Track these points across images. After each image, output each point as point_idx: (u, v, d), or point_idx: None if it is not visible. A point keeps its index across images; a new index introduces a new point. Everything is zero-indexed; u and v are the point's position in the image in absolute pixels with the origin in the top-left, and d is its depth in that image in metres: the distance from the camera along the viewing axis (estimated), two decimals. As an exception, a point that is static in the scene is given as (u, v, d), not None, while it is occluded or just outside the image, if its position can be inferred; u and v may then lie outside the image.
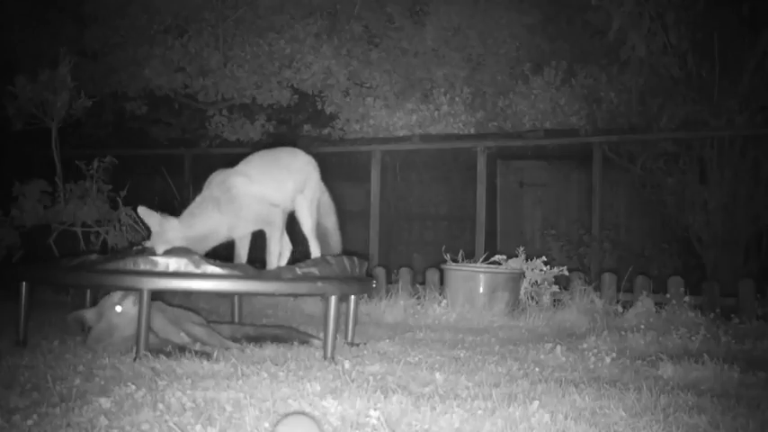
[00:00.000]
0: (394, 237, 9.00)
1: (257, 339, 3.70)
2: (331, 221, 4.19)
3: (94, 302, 4.06)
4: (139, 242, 5.18)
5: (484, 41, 8.75)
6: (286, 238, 4.01)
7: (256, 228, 3.82)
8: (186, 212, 3.66)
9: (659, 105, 7.10)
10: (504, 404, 2.47)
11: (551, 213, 8.82)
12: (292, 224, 4.01)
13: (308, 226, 4.01)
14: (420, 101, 8.71)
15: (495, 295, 5.40)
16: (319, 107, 9.01)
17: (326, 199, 4.19)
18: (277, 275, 3.52)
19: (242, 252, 3.88)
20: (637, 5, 7.09)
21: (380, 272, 6.32)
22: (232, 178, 3.74)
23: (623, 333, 4.34)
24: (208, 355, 3.22)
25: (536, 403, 2.46)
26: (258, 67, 8.59)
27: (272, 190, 3.81)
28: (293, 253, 4.08)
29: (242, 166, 3.85)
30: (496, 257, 5.71)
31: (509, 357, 3.63)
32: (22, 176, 6.28)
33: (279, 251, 3.84)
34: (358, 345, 3.82)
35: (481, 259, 5.78)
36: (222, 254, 3.83)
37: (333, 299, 3.40)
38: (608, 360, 3.52)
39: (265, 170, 3.86)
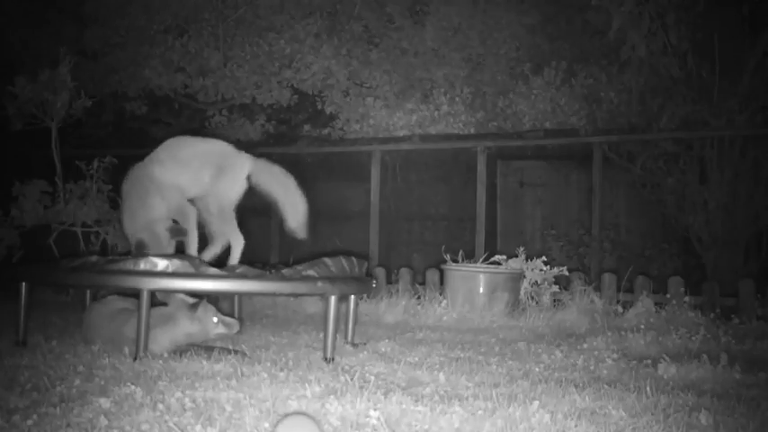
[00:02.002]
0: (394, 237, 9.00)
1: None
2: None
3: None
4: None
5: (484, 41, 8.75)
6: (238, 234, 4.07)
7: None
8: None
9: (659, 105, 7.10)
10: (504, 404, 2.47)
11: (551, 213, 8.82)
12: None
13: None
14: (420, 101, 8.71)
15: (495, 295, 5.40)
16: (319, 107, 9.01)
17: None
18: (279, 276, 3.52)
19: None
20: (637, 5, 7.08)
21: (380, 272, 6.32)
22: None
23: (623, 333, 4.34)
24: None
25: (536, 403, 2.46)
26: (258, 67, 8.58)
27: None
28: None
29: None
30: (496, 257, 5.71)
31: (509, 357, 3.64)
32: (22, 176, 6.28)
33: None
34: (357, 345, 3.82)
35: (481, 259, 5.77)
36: (223, 256, 3.84)
37: (333, 299, 3.40)
38: (608, 360, 3.53)
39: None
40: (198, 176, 3.96)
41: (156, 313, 3.32)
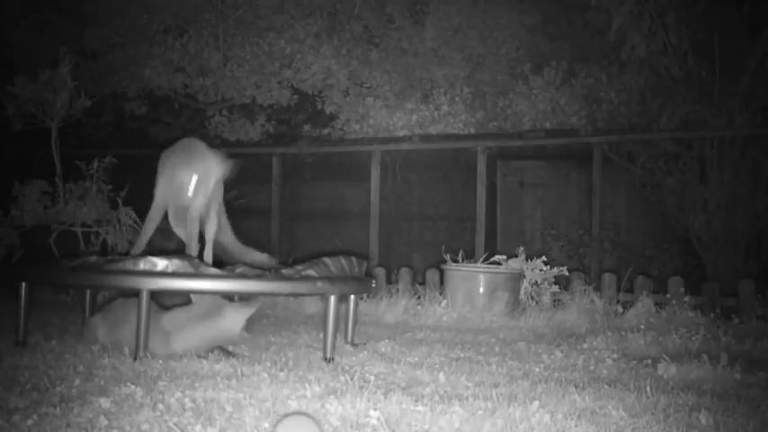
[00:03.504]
0: (394, 237, 9.00)
1: None
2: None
3: (93, 302, 4.07)
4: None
5: (484, 41, 8.75)
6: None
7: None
8: None
9: (659, 105, 7.09)
10: (504, 404, 2.47)
11: (551, 213, 8.81)
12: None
13: None
14: (420, 101, 8.70)
15: (495, 295, 5.40)
16: (319, 107, 9.01)
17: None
18: (278, 276, 3.52)
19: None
20: (637, 5, 7.07)
21: (380, 272, 6.32)
22: None
23: (623, 333, 4.34)
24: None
25: (536, 403, 2.46)
26: (258, 67, 8.58)
27: None
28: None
29: None
30: (496, 257, 5.71)
31: (509, 357, 3.64)
32: (22, 176, 6.27)
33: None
34: (358, 345, 3.82)
35: (481, 259, 5.78)
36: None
37: (332, 299, 3.40)
38: (608, 360, 3.53)
39: None
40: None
41: (188, 311, 3.33)
